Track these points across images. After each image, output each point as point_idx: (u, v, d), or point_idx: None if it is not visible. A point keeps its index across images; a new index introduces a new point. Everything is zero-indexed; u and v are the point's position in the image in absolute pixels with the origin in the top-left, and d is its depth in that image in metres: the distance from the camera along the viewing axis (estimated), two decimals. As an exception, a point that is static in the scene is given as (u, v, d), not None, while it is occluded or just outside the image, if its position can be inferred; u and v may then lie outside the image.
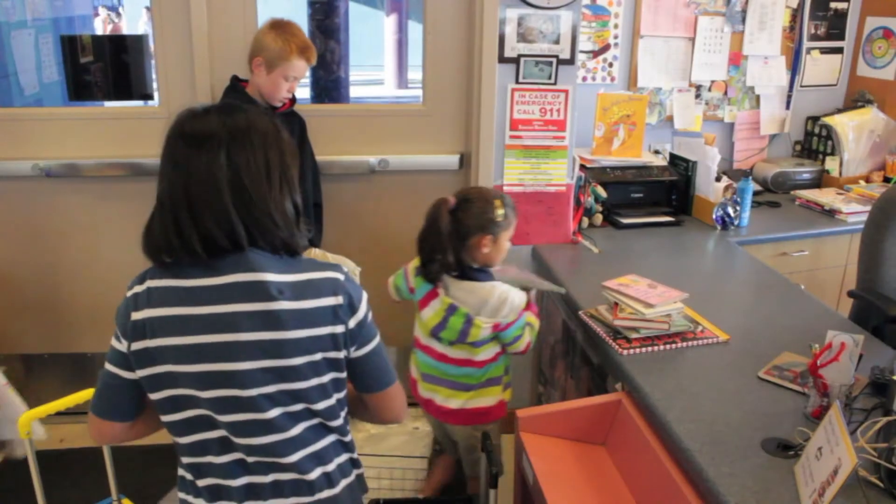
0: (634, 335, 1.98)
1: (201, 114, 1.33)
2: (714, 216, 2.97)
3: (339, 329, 1.31)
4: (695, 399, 1.73)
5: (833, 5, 3.58)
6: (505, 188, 2.76)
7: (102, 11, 6.32)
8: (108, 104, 3.25)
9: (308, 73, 2.91)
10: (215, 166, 1.27)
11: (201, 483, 1.38)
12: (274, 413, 1.30)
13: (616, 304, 2.04)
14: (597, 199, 2.93)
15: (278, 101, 2.46)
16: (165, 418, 1.36)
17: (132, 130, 2.78)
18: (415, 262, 2.19)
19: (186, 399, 1.31)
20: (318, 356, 1.30)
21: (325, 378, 1.33)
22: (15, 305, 2.96)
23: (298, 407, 1.32)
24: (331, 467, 1.40)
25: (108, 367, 1.36)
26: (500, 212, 2.08)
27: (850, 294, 2.55)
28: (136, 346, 1.29)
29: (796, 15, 3.52)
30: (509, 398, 2.29)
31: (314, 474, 1.37)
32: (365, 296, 1.37)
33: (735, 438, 1.58)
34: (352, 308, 1.33)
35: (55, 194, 2.82)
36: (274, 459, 1.34)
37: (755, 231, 2.99)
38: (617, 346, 1.96)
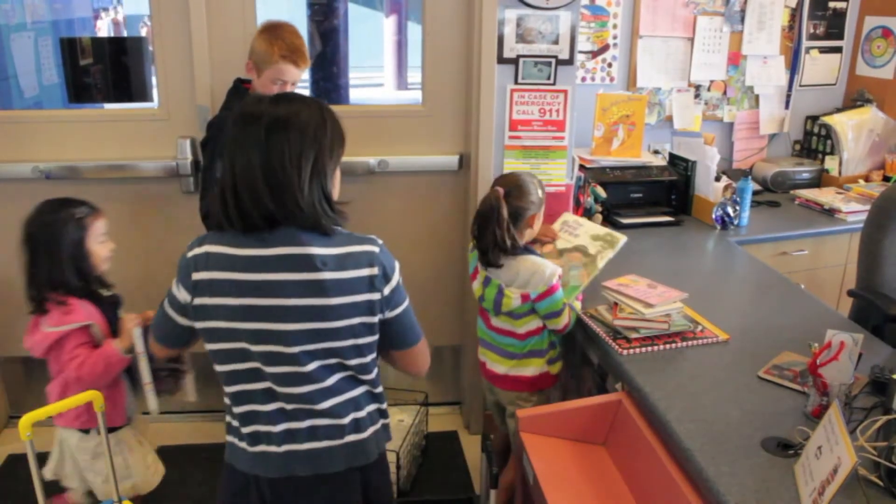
0: (634, 335, 1.98)
1: (257, 100, 1.47)
2: (714, 216, 2.97)
3: (376, 296, 1.47)
4: (695, 399, 1.73)
5: (832, 5, 3.58)
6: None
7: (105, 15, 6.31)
8: (108, 106, 3.24)
9: (307, 75, 2.91)
10: (253, 150, 1.41)
11: (245, 430, 1.53)
12: (312, 367, 1.46)
13: (616, 304, 2.04)
14: (596, 199, 2.93)
15: None
16: (219, 368, 1.53)
17: (132, 133, 2.78)
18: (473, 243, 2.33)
19: (239, 352, 1.48)
20: (355, 320, 1.46)
21: (361, 340, 1.48)
22: (15, 307, 2.95)
23: (333, 361, 1.48)
24: (361, 413, 1.55)
25: (167, 309, 1.55)
26: (541, 191, 2.26)
27: (851, 293, 2.55)
28: (198, 301, 1.46)
29: (795, 14, 3.52)
30: (557, 371, 2.33)
31: (346, 419, 1.53)
32: (397, 265, 1.52)
33: (735, 438, 1.58)
34: (386, 277, 1.48)
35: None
36: (310, 407, 1.50)
37: (755, 231, 2.99)
38: (617, 346, 1.96)
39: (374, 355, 1.55)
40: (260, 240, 1.43)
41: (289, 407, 1.50)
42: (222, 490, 1.63)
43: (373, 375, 1.57)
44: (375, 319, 1.49)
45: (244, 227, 1.43)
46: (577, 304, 2.26)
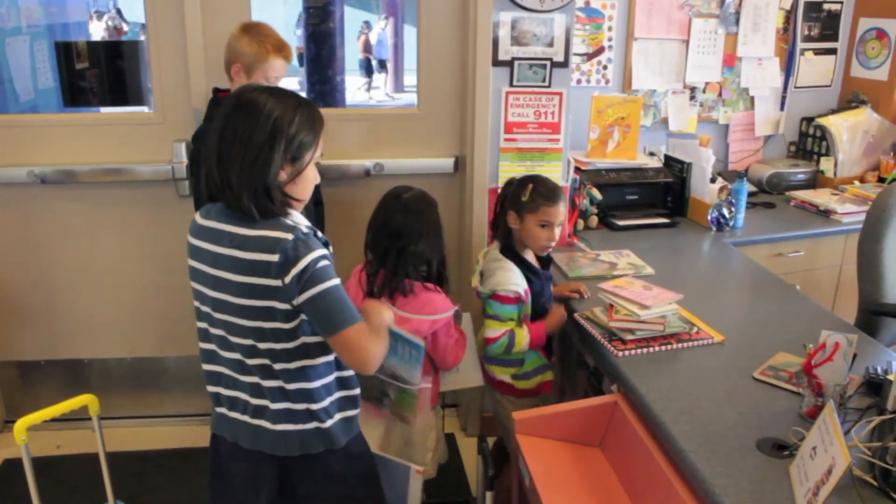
0: (630, 337, 1.98)
1: (253, 87, 1.57)
2: (709, 217, 2.97)
3: (276, 283, 1.49)
4: (690, 400, 1.74)
5: (826, 6, 3.59)
6: (500, 191, 2.77)
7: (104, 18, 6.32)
8: (104, 110, 3.25)
9: (303, 77, 2.91)
10: (218, 124, 1.53)
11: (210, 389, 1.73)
12: (233, 339, 1.60)
13: (611, 305, 2.04)
14: (592, 201, 2.94)
15: None
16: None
17: (127, 136, 2.78)
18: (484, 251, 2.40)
19: (203, 313, 1.65)
20: (257, 302, 1.52)
21: (266, 324, 1.54)
22: (11, 312, 2.96)
23: (246, 342, 1.58)
24: (275, 405, 1.61)
25: None
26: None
27: (874, 312, 2.53)
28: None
29: (790, 16, 3.53)
30: (525, 388, 2.30)
31: (256, 401, 1.64)
32: (314, 255, 1.50)
33: (730, 439, 1.58)
34: (286, 265, 1.48)
35: (51, 201, 2.82)
36: (231, 375, 1.66)
37: (750, 232, 2.99)
38: (612, 348, 1.96)
39: (289, 345, 1.56)
40: (206, 211, 1.61)
41: (222, 370, 1.66)
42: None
43: (291, 367, 1.58)
44: (283, 306, 1.51)
45: (207, 195, 1.58)
46: (524, 335, 2.20)
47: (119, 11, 6.43)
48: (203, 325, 1.66)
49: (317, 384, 1.62)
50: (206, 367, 1.69)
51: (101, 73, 3.06)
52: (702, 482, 1.47)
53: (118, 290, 2.97)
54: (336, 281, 1.53)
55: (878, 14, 3.55)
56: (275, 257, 1.47)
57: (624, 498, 1.76)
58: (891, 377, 1.65)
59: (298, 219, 1.58)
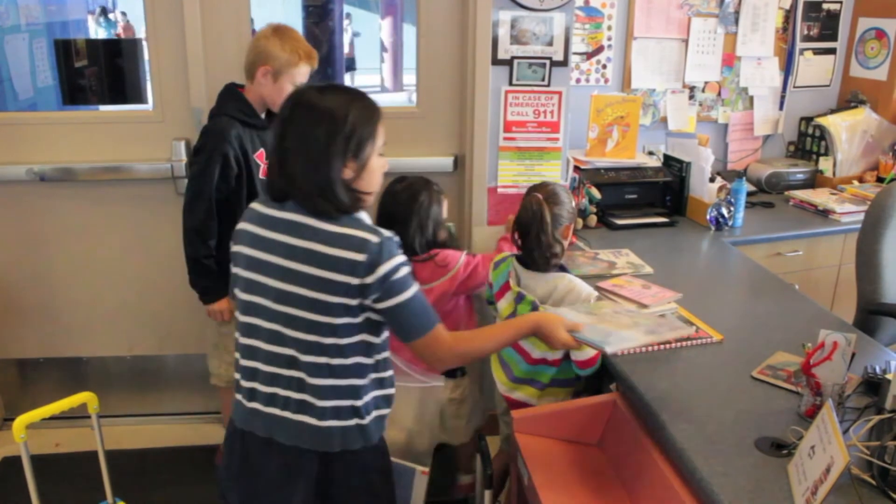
0: (628, 335, 1.97)
1: (309, 87, 1.60)
2: (708, 217, 2.97)
3: (354, 281, 1.51)
4: (688, 399, 1.74)
5: (825, 6, 3.59)
6: (499, 190, 2.77)
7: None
8: (103, 108, 3.24)
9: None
10: (277, 127, 1.56)
11: (244, 384, 1.69)
12: (293, 334, 1.58)
13: (610, 304, 2.04)
14: (591, 200, 2.94)
15: None
16: (239, 318, 1.68)
17: (127, 134, 2.78)
18: (499, 257, 2.26)
19: (251, 306, 1.63)
20: (332, 298, 1.52)
21: (337, 320, 1.54)
22: (10, 310, 2.96)
23: (311, 338, 1.57)
24: (324, 403, 1.60)
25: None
26: (574, 202, 2.19)
27: (872, 312, 2.53)
28: (231, 248, 1.67)
29: (789, 16, 3.53)
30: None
31: (301, 396, 1.61)
32: (397, 261, 1.54)
33: (729, 438, 1.59)
34: (371, 266, 1.51)
35: (50, 199, 2.82)
36: (278, 371, 1.62)
37: (749, 231, 3.00)
38: (611, 347, 1.96)
39: (349, 341, 1.57)
40: (280, 205, 1.58)
41: (259, 366, 1.62)
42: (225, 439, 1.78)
43: (346, 363, 1.59)
44: (355, 303, 1.53)
45: (271, 195, 1.60)
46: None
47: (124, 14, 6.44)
48: (250, 319, 1.62)
49: (364, 381, 1.63)
50: (243, 362, 1.66)
51: (100, 71, 3.06)
52: (700, 481, 1.47)
53: (117, 288, 2.97)
54: (416, 287, 1.59)
55: (878, 14, 3.56)
56: (361, 257, 1.50)
57: (622, 496, 1.76)
58: (889, 376, 1.66)
59: (366, 217, 1.63)
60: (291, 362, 1.59)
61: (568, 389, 2.14)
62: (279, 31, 2.35)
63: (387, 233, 1.55)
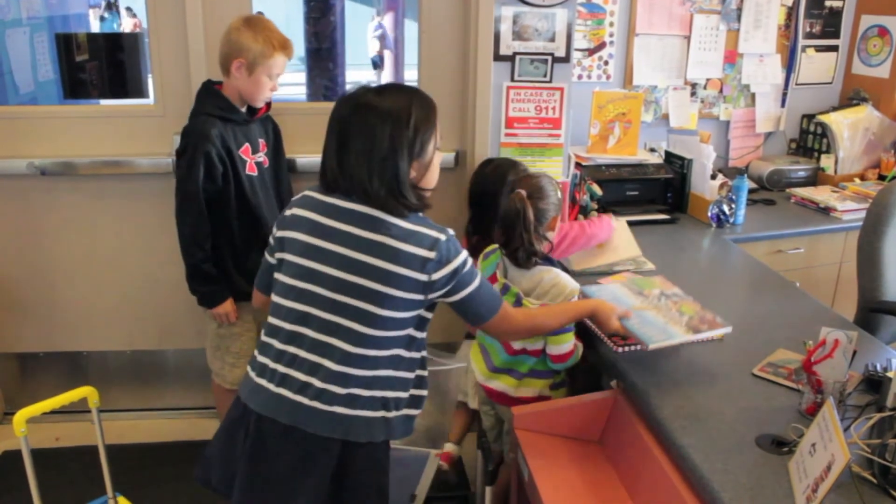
0: (629, 332, 1.97)
1: (365, 89, 1.62)
2: (709, 214, 2.97)
3: (423, 277, 1.57)
4: (689, 396, 1.74)
5: (828, 3, 3.58)
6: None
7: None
8: (104, 102, 3.24)
9: (303, 71, 2.90)
10: (334, 128, 1.60)
11: (259, 359, 1.69)
12: (345, 322, 1.60)
13: (611, 301, 2.04)
14: (592, 196, 2.93)
15: (261, 101, 2.38)
16: (275, 299, 1.68)
17: (127, 128, 2.78)
18: (488, 249, 2.23)
19: (295, 290, 1.63)
20: (398, 293, 1.57)
21: (398, 314, 1.59)
22: (10, 304, 2.96)
23: (364, 329, 1.59)
24: (364, 392, 1.61)
25: (265, 254, 1.74)
26: (559, 192, 2.16)
27: (873, 309, 2.53)
28: (279, 234, 1.67)
29: (791, 13, 3.52)
30: (566, 392, 2.19)
31: (345, 390, 1.60)
32: (462, 256, 1.62)
33: (729, 435, 1.58)
34: (440, 263, 1.57)
35: (50, 193, 2.81)
36: (320, 361, 1.61)
37: (750, 229, 2.99)
38: (611, 344, 1.96)
39: (398, 333, 1.61)
40: (345, 195, 1.61)
41: (307, 355, 1.60)
42: (226, 415, 1.74)
43: (389, 353, 1.62)
44: (418, 298, 1.59)
45: (326, 187, 1.63)
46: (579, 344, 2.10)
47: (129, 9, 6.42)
48: (299, 306, 1.61)
49: (401, 374, 1.67)
50: (281, 346, 1.63)
51: (101, 65, 3.06)
52: (700, 478, 1.47)
53: (118, 283, 2.97)
54: (480, 277, 1.69)
55: (880, 11, 3.55)
56: (432, 254, 1.56)
57: (623, 493, 1.76)
58: (890, 374, 1.66)
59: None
60: (337, 352, 1.59)
61: (546, 381, 2.14)
62: (250, 21, 2.29)
63: (451, 231, 1.62)
